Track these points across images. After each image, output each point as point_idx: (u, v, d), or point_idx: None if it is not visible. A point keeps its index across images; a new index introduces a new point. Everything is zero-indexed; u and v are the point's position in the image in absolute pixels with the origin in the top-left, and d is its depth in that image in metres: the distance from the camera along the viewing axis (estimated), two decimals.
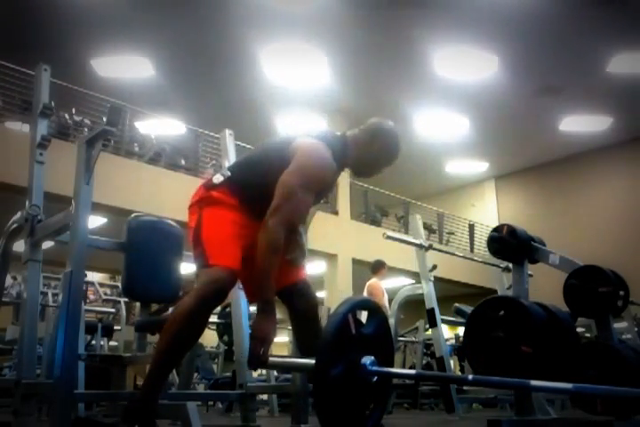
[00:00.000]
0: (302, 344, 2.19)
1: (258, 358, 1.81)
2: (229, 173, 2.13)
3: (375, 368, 1.66)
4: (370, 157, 2.19)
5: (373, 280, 6.15)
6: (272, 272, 1.88)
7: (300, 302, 2.15)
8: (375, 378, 1.69)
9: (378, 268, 6.29)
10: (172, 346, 1.89)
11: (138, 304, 3.00)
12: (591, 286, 2.20)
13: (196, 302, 1.87)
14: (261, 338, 1.83)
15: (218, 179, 2.10)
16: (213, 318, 6.58)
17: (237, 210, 2.05)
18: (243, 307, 3.18)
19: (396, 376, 1.71)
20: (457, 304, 4.96)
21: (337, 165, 2.10)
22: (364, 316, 1.90)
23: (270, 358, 1.83)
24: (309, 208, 2.10)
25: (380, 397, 1.81)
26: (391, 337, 1.90)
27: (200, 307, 1.87)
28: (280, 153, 2.07)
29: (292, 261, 2.12)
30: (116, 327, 6.04)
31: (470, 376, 1.75)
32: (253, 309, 2.22)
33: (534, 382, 1.45)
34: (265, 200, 1.98)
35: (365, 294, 5.92)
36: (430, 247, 4.43)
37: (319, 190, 2.07)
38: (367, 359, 1.66)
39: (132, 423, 1.83)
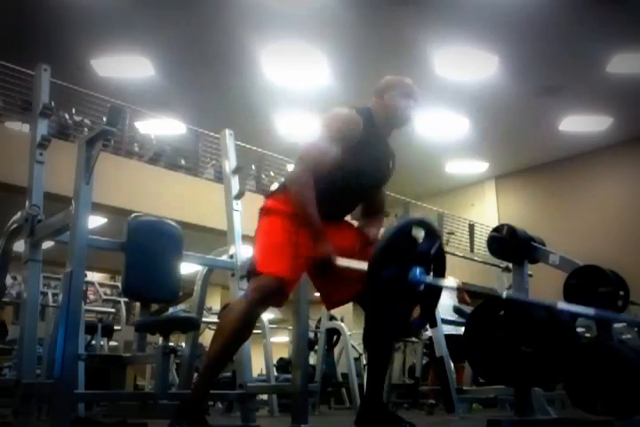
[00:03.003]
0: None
1: (327, 261, 1.97)
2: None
3: (423, 278, 1.80)
4: (389, 106, 2.26)
5: None
6: (309, 210, 2.01)
7: None
8: (422, 287, 1.82)
9: None
10: (222, 351, 2.03)
11: (138, 304, 3.00)
12: (591, 286, 2.21)
13: (244, 309, 1.99)
14: (324, 257, 1.98)
15: (275, 186, 2.19)
16: (213, 318, 6.59)
17: (292, 217, 2.10)
18: None
19: (442, 286, 1.91)
20: (457, 304, 4.97)
21: (367, 122, 2.18)
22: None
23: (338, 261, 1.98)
24: (328, 155, 2.11)
25: (427, 305, 1.97)
26: (444, 258, 2.00)
27: (247, 314, 2.00)
28: None
29: (361, 227, 2.30)
30: (115, 327, 6.05)
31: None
32: None
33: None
34: (322, 200, 2.06)
35: None
36: None
37: (339, 138, 2.12)
38: (417, 269, 1.79)
39: (184, 423, 1.91)
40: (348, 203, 2.29)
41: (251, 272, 2.08)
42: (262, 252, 2.10)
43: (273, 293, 2.00)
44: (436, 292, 1.95)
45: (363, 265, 1.85)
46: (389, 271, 1.77)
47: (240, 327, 1.99)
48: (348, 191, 2.19)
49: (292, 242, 2.06)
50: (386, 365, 2.25)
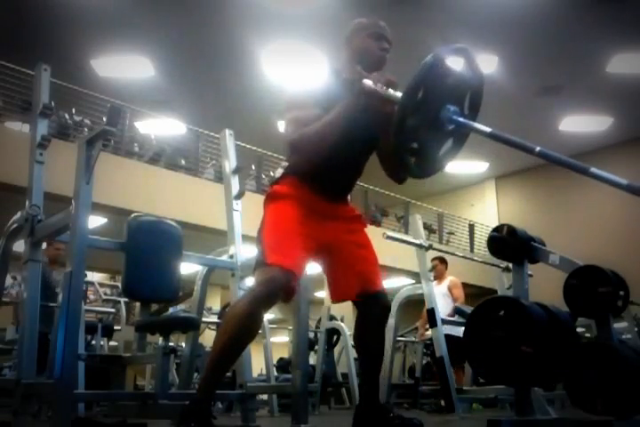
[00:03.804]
0: (364, 344, 2.18)
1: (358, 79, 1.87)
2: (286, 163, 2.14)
3: (456, 117, 1.67)
4: (358, 49, 2.15)
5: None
6: (325, 122, 1.92)
7: (375, 309, 2.13)
8: (452, 127, 1.70)
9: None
10: (228, 347, 1.88)
11: (138, 304, 3.00)
12: (591, 286, 2.20)
13: (249, 302, 1.86)
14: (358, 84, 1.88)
15: (278, 172, 2.13)
16: (213, 318, 6.59)
17: (302, 202, 2.02)
18: None
19: (474, 130, 1.70)
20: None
21: (342, 76, 2.12)
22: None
23: (366, 82, 1.86)
24: (309, 118, 1.99)
25: (455, 145, 1.84)
26: (480, 98, 1.83)
27: (254, 308, 1.86)
28: None
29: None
30: (116, 327, 6.05)
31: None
32: None
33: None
34: (320, 173, 2.01)
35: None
36: (430, 247, 4.43)
37: (314, 103, 2.04)
38: (452, 107, 1.67)
39: (190, 424, 1.81)
40: (347, 171, 2.17)
41: (258, 263, 1.95)
42: (270, 241, 1.96)
43: (281, 286, 1.89)
44: (465, 134, 1.82)
45: (395, 93, 1.76)
46: (422, 105, 1.63)
47: (246, 323, 1.86)
48: (343, 157, 2.05)
49: (300, 229, 1.98)
50: (380, 363, 2.22)
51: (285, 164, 2.15)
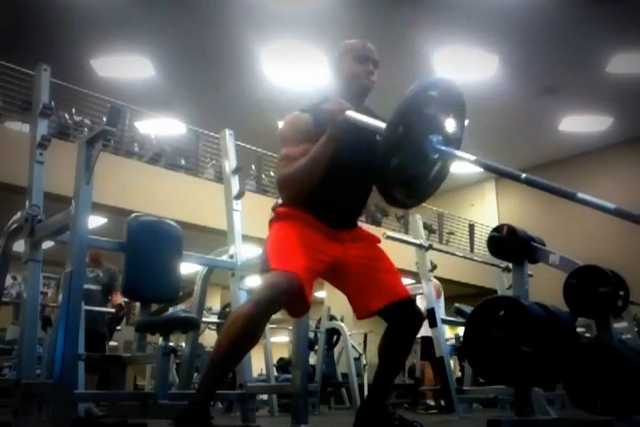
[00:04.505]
0: (391, 352, 2.13)
1: (338, 110, 1.86)
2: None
3: (439, 146, 1.71)
4: (345, 73, 2.10)
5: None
6: (311, 157, 1.91)
7: (407, 318, 2.08)
8: (437, 156, 1.74)
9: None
10: (229, 351, 1.84)
11: (138, 304, 3.00)
12: (591, 286, 2.20)
13: (251, 306, 1.82)
14: (335, 108, 1.87)
15: (280, 201, 2.10)
16: (213, 318, 6.59)
17: (309, 223, 2.02)
18: None
19: (458, 158, 1.76)
20: (457, 304, 4.97)
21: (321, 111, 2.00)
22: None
23: (349, 113, 1.85)
24: (301, 152, 1.97)
25: (443, 168, 1.87)
26: (463, 128, 1.91)
27: (256, 312, 1.81)
28: None
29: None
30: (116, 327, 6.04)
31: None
32: None
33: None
34: (326, 199, 2.00)
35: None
36: (430, 247, 4.43)
37: (302, 138, 2.00)
38: (435, 137, 1.71)
39: (187, 426, 1.79)
40: (349, 200, 2.14)
41: (262, 271, 1.93)
42: (275, 250, 1.95)
43: (286, 289, 1.84)
44: (449, 163, 1.86)
45: (378, 123, 1.76)
46: (404, 137, 1.67)
47: (247, 328, 1.81)
48: (345, 182, 2.04)
49: (307, 244, 1.96)
50: (399, 371, 2.19)
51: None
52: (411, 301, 2.09)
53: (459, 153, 1.74)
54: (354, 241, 2.11)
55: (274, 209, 2.12)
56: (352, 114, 1.86)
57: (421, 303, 5.30)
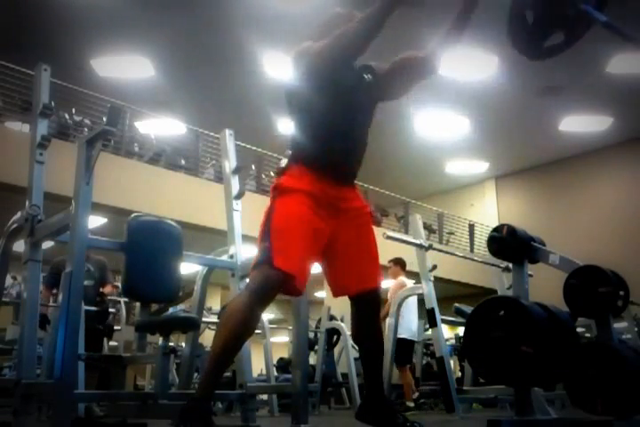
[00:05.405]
0: (361, 341, 2.23)
1: None
2: (289, 151, 2.14)
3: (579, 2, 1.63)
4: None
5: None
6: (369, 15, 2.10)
7: (366, 306, 2.17)
8: (572, 12, 1.68)
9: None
10: (227, 344, 1.90)
11: (138, 304, 3.00)
12: (591, 286, 2.20)
13: (246, 297, 1.90)
14: None
15: (283, 162, 2.10)
16: (213, 318, 6.60)
17: (310, 194, 2.01)
18: None
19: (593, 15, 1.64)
20: (457, 304, 4.97)
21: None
22: None
23: None
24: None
25: (567, 38, 1.81)
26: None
27: (251, 303, 1.89)
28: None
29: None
30: (116, 327, 6.04)
31: None
32: None
33: None
34: (326, 137, 2.05)
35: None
36: (430, 247, 4.43)
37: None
38: None
39: (190, 423, 1.80)
40: (352, 143, 2.16)
41: (258, 262, 1.95)
42: (280, 243, 1.94)
43: (277, 283, 1.91)
44: (578, 30, 1.80)
45: None
46: None
47: (244, 318, 1.88)
48: (348, 123, 2.11)
49: (309, 227, 1.97)
50: (380, 358, 2.23)
51: (289, 152, 2.14)
52: (376, 292, 2.18)
53: (594, 12, 1.67)
54: (353, 213, 2.14)
55: (278, 174, 2.12)
56: None
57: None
